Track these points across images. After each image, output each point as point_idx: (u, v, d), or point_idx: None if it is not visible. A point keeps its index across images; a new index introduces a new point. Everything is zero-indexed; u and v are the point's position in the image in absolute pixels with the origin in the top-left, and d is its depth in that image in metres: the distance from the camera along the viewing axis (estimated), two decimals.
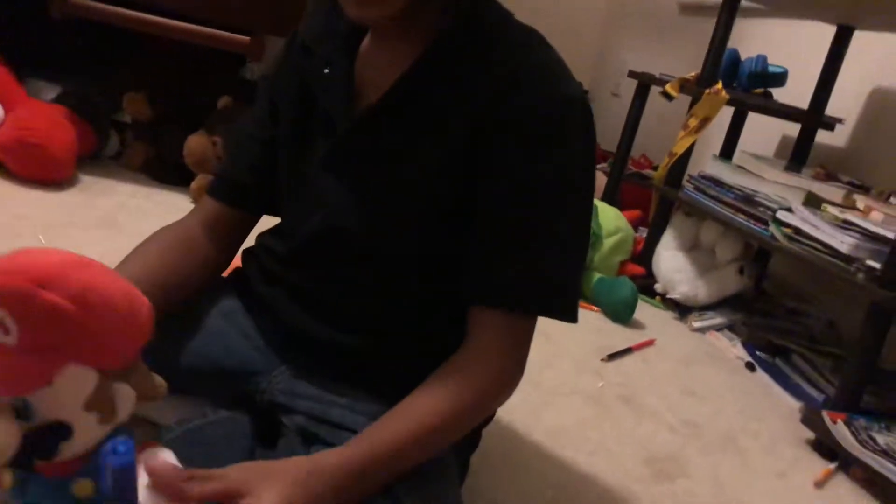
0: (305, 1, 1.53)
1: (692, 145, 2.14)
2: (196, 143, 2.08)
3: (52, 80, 2.21)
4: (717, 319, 2.08)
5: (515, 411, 1.33)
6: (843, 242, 1.54)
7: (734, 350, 1.94)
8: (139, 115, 2.22)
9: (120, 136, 2.26)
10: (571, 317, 0.80)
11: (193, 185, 2.09)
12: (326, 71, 0.84)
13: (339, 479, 0.67)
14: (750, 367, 1.86)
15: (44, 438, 0.51)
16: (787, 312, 2.20)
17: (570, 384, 1.52)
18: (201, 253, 0.90)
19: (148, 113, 2.21)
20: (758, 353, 1.91)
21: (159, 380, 0.58)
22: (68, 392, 0.51)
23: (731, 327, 2.06)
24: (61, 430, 0.51)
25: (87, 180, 2.04)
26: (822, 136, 2.29)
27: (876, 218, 1.59)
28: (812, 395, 1.71)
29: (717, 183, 2.04)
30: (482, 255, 0.77)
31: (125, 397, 0.55)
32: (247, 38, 2.04)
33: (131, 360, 0.56)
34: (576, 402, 1.45)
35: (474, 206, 0.77)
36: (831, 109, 2.23)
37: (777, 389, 1.76)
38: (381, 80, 0.79)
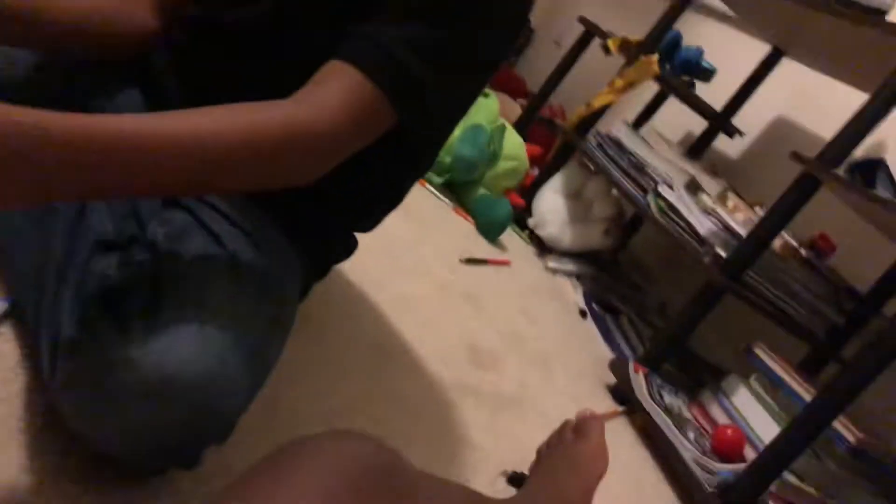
0: None
1: (610, 104, 2.22)
2: None
3: None
4: (570, 267, 2.21)
5: (368, 272, 1.37)
6: (702, 226, 1.67)
7: (575, 296, 2.08)
8: None
9: None
10: (411, 120, 0.77)
11: None
12: None
13: (74, 145, 0.53)
14: (583, 314, 2.00)
15: None
16: (630, 284, 2.38)
17: (425, 268, 1.59)
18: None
19: None
20: (594, 305, 2.06)
21: None
22: None
23: (579, 277, 2.20)
24: None
25: None
26: (721, 142, 2.45)
27: (738, 217, 1.74)
28: (625, 352, 1.87)
29: (618, 145, 2.14)
30: (367, 24, 0.75)
31: None
32: None
33: None
34: (425, 282, 1.52)
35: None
36: (739, 121, 2.38)
37: (598, 339, 1.91)
38: None
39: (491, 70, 0.88)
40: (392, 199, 1.01)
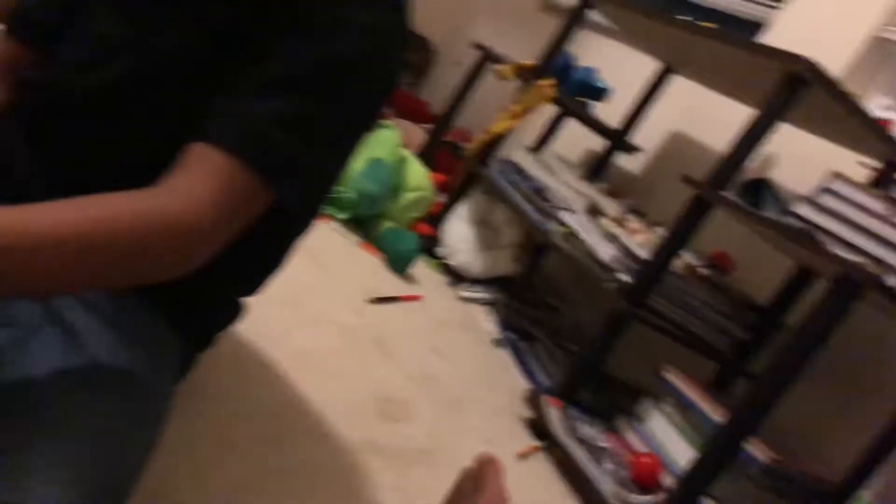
0: None
1: (509, 130, 2.22)
2: None
3: None
4: (483, 294, 2.19)
5: (267, 325, 1.30)
6: (605, 252, 1.68)
7: (488, 325, 2.06)
8: None
9: None
10: (289, 199, 0.73)
11: None
12: None
13: None
14: (497, 343, 1.98)
15: None
16: (544, 306, 2.38)
17: (329, 315, 1.53)
18: None
19: None
20: (508, 333, 2.04)
21: None
22: None
23: (493, 304, 2.18)
24: None
25: None
26: (624, 159, 2.49)
27: (638, 240, 1.76)
28: (541, 381, 1.86)
29: (519, 171, 2.14)
30: (231, 99, 0.70)
31: None
32: None
33: None
34: (330, 331, 1.46)
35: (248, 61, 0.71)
36: (637, 137, 2.42)
37: (513, 369, 1.89)
38: None
39: (368, 128, 0.84)
40: (272, 263, 0.96)
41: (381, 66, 0.76)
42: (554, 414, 1.54)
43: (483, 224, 2.29)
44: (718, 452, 1.35)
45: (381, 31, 0.75)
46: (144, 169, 0.70)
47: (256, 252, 0.90)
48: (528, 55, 2.30)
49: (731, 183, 1.55)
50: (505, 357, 1.94)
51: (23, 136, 0.83)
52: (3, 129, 0.86)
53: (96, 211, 0.61)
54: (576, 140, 2.66)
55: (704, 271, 1.72)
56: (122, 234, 0.61)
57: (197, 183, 0.66)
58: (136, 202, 0.63)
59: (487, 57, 2.57)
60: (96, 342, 0.69)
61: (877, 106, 2.13)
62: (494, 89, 2.58)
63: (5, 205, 0.56)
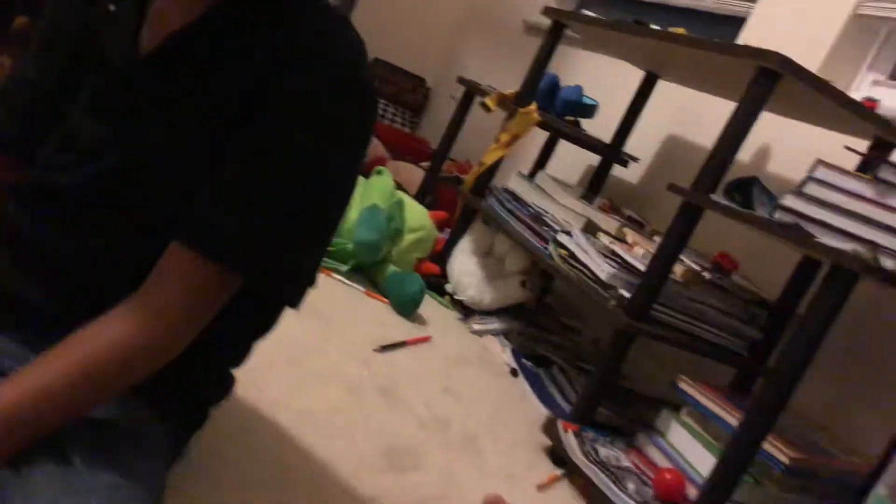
0: None
1: (501, 159, 2.24)
2: None
3: None
4: (496, 325, 2.19)
5: (268, 389, 1.32)
6: (603, 270, 1.67)
7: (504, 356, 2.05)
8: None
9: None
10: (285, 292, 0.80)
11: None
12: (112, 8, 0.81)
13: None
14: (514, 373, 1.97)
15: None
16: (561, 328, 2.36)
17: (334, 370, 1.54)
18: None
19: None
20: (524, 360, 2.03)
21: None
22: None
23: (506, 334, 2.18)
24: None
25: None
26: (618, 171, 2.48)
27: (637, 253, 1.75)
28: (562, 406, 1.85)
29: (516, 198, 2.15)
30: (205, 200, 0.74)
31: None
32: None
33: None
34: (334, 388, 1.47)
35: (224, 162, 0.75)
36: (631, 147, 2.42)
37: (532, 397, 1.88)
38: (165, 26, 0.77)
39: (347, 189, 0.84)
40: (258, 328, 0.97)
41: (349, 130, 0.78)
42: (571, 439, 1.53)
43: (487, 255, 2.29)
44: (738, 456, 1.32)
45: (347, 116, 0.77)
46: (133, 258, 0.76)
47: (238, 322, 0.91)
48: (518, 78, 2.31)
49: (721, 182, 1.54)
50: (523, 386, 1.93)
51: (6, 239, 0.86)
52: None
53: (79, 355, 0.70)
54: (573, 158, 2.66)
55: (707, 275, 1.70)
56: (107, 368, 0.71)
57: (168, 290, 0.73)
58: (113, 333, 0.72)
59: (472, 90, 2.59)
60: (81, 455, 0.71)
61: (866, 83, 2.11)
62: (488, 119, 2.60)
63: None
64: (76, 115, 0.81)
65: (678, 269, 1.67)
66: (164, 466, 0.85)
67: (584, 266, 1.75)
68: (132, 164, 0.78)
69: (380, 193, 2.17)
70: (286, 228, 0.76)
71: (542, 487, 1.46)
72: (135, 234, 0.80)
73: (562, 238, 1.88)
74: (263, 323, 0.97)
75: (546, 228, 1.96)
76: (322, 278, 2.00)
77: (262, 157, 0.74)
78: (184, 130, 0.77)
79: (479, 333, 2.16)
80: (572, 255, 1.81)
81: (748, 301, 1.73)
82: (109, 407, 0.79)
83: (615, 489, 1.41)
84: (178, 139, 0.77)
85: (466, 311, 2.24)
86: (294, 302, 0.81)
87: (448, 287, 2.27)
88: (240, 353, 0.98)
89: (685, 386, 1.56)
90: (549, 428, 1.59)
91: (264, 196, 0.74)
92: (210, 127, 0.76)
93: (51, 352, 0.70)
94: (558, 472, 1.53)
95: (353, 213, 2.10)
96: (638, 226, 2.09)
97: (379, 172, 2.30)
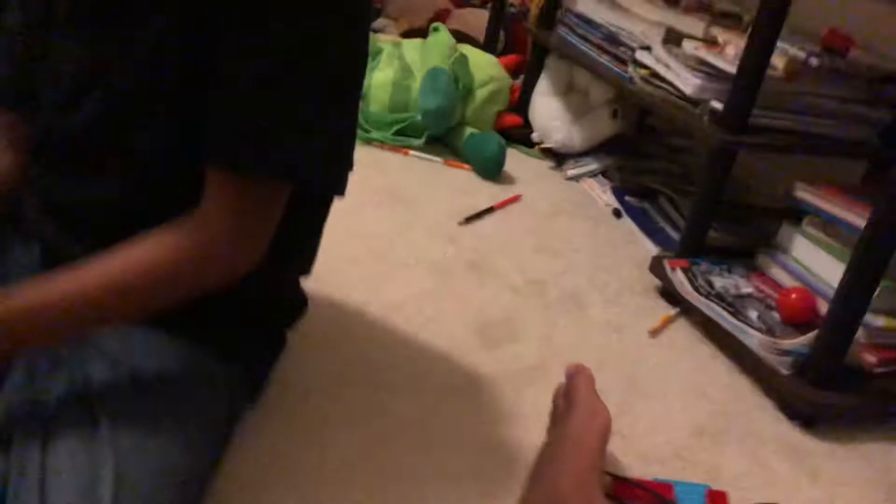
0: None
1: None
2: None
3: None
4: (593, 165, 2.04)
5: (354, 286, 1.30)
6: (688, 84, 1.47)
7: (604, 197, 1.92)
8: None
9: None
10: (325, 186, 0.78)
11: None
12: None
13: (9, 323, 0.65)
14: (616, 213, 1.84)
15: None
16: (669, 151, 2.17)
17: (417, 254, 1.49)
18: None
19: None
20: (626, 198, 1.89)
21: None
22: None
23: (605, 173, 2.02)
24: None
25: None
26: None
27: (728, 54, 1.51)
28: (674, 239, 1.70)
29: (587, 21, 1.92)
30: (217, 117, 0.70)
31: None
32: None
33: None
34: (419, 273, 1.43)
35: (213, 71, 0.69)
36: None
37: (640, 236, 1.75)
38: None
39: (359, 60, 0.77)
40: (311, 227, 0.94)
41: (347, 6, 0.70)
42: (678, 276, 1.41)
43: (568, 92, 2.10)
44: (871, 259, 1.15)
45: None
46: (149, 194, 0.76)
47: (287, 227, 0.87)
48: None
49: None
50: (628, 225, 1.80)
51: (33, 197, 0.86)
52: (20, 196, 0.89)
53: (114, 265, 0.69)
54: None
55: (816, 61, 1.45)
56: (146, 279, 0.70)
57: (215, 209, 0.71)
58: (155, 246, 0.70)
59: None
60: (129, 421, 0.71)
61: None
62: None
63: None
64: (55, 46, 0.77)
65: (779, 62, 1.44)
66: (220, 419, 0.84)
67: (669, 83, 1.55)
68: (120, 89, 0.73)
69: (439, 53, 2.01)
70: (307, 118, 0.70)
71: (654, 333, 1.37)
72: (145, 170, 0.76)
73: (640, 56, 1.66)
74: (313, 222, 0.93)
75: (623, 49, 1.75)
76: (399, 159, 1.93)
77: (257, 49, 0.67)
78: (160, 36, 0.70)
79: (576, 178, 2.02)
80: (654, 74, 1.61)
81: (872, 80, 1.47)
82: (157, 359, 0.78)
83: (734, 321, 1.29)
84: (157, 45, 0.70)
85: (558, 157, 2.10)
86: (340, 189, 0.77)
87: (534, 136, 2.12)
88: (300, 259, 0.96)
89: (801, 192, 1.38)
90: (656, 267, 1.48)
91: (275, 92, 0.68)
92: (183, 25, 0.69)
93: (79, 264, 0.69)
94: (672, 311, 1.43)
95: (415, 81, 1.97)
96: (734, 20, 1.81)
97: (436, 30, 2.12)
